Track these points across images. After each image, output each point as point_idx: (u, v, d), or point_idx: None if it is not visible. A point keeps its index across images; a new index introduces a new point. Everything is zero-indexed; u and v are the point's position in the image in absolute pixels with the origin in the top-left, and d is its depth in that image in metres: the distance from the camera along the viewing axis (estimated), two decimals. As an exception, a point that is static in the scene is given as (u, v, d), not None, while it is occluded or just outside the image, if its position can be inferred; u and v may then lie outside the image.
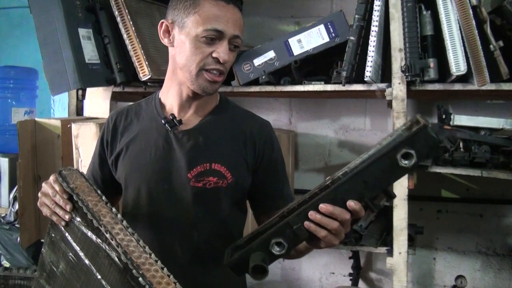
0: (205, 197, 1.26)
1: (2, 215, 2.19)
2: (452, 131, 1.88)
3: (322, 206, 0.98)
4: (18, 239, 2.05)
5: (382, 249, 1.91)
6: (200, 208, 1.26)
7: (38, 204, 1.15)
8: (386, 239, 1.95)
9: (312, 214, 0.99)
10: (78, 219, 1.07)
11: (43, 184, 1.14)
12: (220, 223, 1.28)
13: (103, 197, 1.09)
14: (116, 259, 0.97)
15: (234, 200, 1.31)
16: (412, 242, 1.93)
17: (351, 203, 0.98)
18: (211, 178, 1.25)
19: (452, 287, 2.09)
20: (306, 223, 1.00)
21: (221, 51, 1.18)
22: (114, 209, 1.06)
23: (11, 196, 2.14)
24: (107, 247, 1.00)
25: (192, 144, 1.27)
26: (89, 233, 1.04)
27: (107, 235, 1.00)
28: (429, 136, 0.93)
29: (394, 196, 1.04)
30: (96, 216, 1.03)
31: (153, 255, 0.98)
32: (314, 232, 1.01)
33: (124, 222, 1.04)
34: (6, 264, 2.20)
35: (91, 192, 1.09)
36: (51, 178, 1.13)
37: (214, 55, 1.19)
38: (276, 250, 1.02)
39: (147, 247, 0.99)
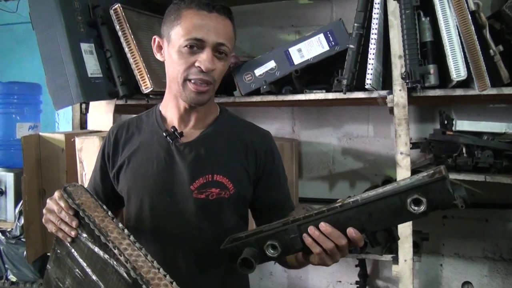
0: (208, 208, 1.27)
1: (8, 229, 2.20)
2: (454, 137, 1.88)
3: (322, 225, 1.02)
4: (24, 253, 2.06)
5: (388, 257, 1.90)
6: (203, 220, 1.27)
7: (43, 220, 1.15)
8: (391, 246, 1.94)
9: (311, 229, 1.03)
10: (85, 235, 1.07)
11: (48, 201, 1.15)
12: (223, 234, 1.27)
13: (109, 213, 1.09)
14: (125, 274, 0.98)
15: (236, 211, 1.32)
16: (417, 249, 1.92)
17: (351, 231, 1.00)
18: (214, 189, 1.26)
19: (459, 293, 2.08)
20: (305, 235, 1.04)
21: (203, 59, 1.19)
22: (120, 224, 1.07)
23: (17, 210, 2.16)
24: (115, 262, 1.00)
25: (194, 156, 1.28)
26: (96, 249, 1.04)
27: (115, 251, 1.00)
28: (445, 189, 0.93)
29: (397, 238, 1.07)
30: (104, 232, 1.03)
31: (161, 270, 0.98)
32: (309, 246, 1.04)
33: (131, 237, 1.04)
34: (12, 278, 2.22)
35: (97, 208, 1.10)
36: (56, 194, 1.13)
37: (196, 64, 1.19)
38: (269, 251, 1.06)
39: (155, 262, 1.00)
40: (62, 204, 1.10)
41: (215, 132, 1.33)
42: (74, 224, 1.08)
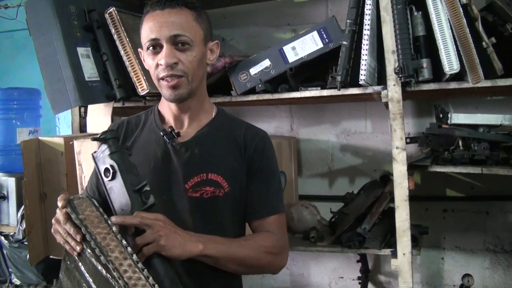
0: (202, 206, 1.28)
1: (11, 233, 2.22)
2: (450, 130, 1.88)
3: (112, 219, 1.09)
4: (27, 256, 2.08)
5: (387, 251, 1.90)
6: (198, 218, 1.28)
7: (52, 230, 1.14)
8: (390, 240, 1.94)
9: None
10: (89, 250, 1.05)
11: (57, 210, 1.13)
12: (218, 232, 1.29)
13: (114, 228, 1.06)
14: None
15: (231, 209, 1.33)
16: (416, 242, 1.92)
17: (112, 219, 1.09)
18: (208, 188, 1.28)
19: (460, 286, 2.07)
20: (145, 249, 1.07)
21: (162, 56, 1.23)
22: (124, 242, 1.04)
23: (19, 214, 2.18)
24: (116, 283, 0.98)
25: (189, 155, 1.29)
26: (99, 267, 1.02)
27: (115, 273, 0.98)
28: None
29: None
30: (104, 251, 1.01)
31: None
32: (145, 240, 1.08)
33: (134, 256, 1.01)
34: (16, 281, 2.24)
35: (101, 223, 1.06)
36: (60, 204, 1.11)
37: (158, 62, 1.23)
38: None
39: (156, 286, 0.98)
40: (68, 217, 1.09)
41: (210, 132, 1.35)
42: (78, 238, 1.06)
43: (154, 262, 1.05)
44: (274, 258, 1.32)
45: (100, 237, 1.03)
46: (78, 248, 1.07)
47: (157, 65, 1.24)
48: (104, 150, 1.17)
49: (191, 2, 1.27)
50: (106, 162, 1.15)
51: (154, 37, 1.23)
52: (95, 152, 1.21)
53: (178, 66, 1.23)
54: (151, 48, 1.25)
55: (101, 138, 1.17)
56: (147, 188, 1.13)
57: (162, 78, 1.25)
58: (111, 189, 1.14)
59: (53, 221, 1.13)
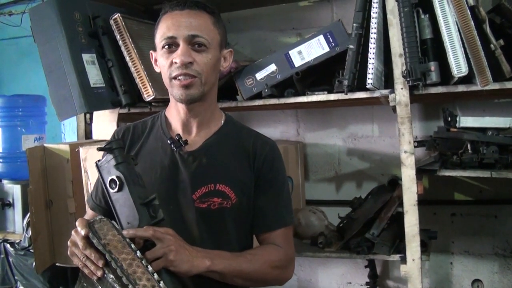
0: (209, 218, 1.26)
1: (17, 241, 2.22)
2: (458, 133, 1.86)
3: (124, 232, 1.08)
4: (33, 264, 2.07)
5: (396, 257, 1.88)
6: (205, 229, 1.26)
7: (68, 253, 1.10)
8: (399, 246, 1.92)
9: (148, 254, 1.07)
10: (112, 276, 1.01)
11: (72, 233, 1.09)
12: (225, 244, 1.27)
13: (138, 253, 1.04)
14: None
15: (239, 220, 1.31)
16: (425, 248, 1.90)
17: (124, 232, 1.08)
18: (216, 198, 1.26)
19: (470, 291, 2.06)
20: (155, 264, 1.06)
21: (178, 54, 1.22)
22: (150, 268, 1.02)
23: (25, 222, 2.17)
24: None
25: (197, 165, 1.28)
26: None
27: None
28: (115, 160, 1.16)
29: None
30: (132, 279, 0.98)
31: None
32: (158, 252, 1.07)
33: (162, 284, 0.99)
34: (23, 290, 2.24)
35: (125, 248, 1.03)
36: (81, 230, 1.07)
37: (173, 60, 1.22)
38: None
39: None
40: (88, 242, 1.06)
41: (218, 141, 1.33)
42: (100, 263, 1.03)
43: (163, 278, 1.03)
44: (280, 272, 1.31)
45: (126, 264, 1.00)
46: (99, 274, 1.03)
47: (171, 64, 1.23)
48: (109, 160, 1.15)
49: (211, 7, 1.28)
50: (112, 172, 1.13)
51: (171, 35, 1.22)
52: (99, 160, 1.19)
53: (192, 66, 1.22)
54: (166, 46, 1.24)
55: (107, 148, 1.16)
56: (156, 202, 1.11)
57: (175, 77, 1.23)
58: (117, 201, 1.13)
59: (69, 243, 1.10)
